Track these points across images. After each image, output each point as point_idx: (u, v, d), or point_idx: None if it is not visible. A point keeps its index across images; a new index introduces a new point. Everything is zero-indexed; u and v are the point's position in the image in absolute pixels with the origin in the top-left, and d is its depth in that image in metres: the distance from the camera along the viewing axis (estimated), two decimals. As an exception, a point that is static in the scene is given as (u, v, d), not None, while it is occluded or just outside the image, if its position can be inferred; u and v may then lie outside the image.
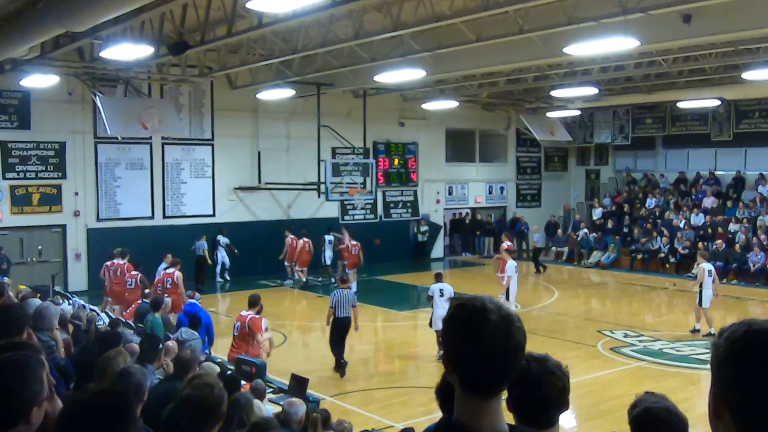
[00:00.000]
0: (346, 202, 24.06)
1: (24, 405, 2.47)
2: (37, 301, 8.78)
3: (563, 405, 2.70)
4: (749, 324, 1.50)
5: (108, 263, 15.70)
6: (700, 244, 23.06)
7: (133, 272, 15.02)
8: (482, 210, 29.01)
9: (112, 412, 2.38)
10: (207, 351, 10.57)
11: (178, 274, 14.38)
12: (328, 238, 21.62)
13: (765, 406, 1.44)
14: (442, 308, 12.41)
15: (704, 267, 14.91)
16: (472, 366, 1.87)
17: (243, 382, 8.06)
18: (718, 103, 23.42)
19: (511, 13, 12.62)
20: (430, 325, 13.17)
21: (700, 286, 14.66)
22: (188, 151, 21.76)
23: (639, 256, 24.56)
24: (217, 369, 7.19)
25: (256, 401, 6.51)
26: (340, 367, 12.25)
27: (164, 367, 7.27)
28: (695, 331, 15.00)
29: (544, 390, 2.63)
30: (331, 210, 24.15)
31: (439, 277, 13.52)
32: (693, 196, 26.26)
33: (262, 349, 10.50)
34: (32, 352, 3.13)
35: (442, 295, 12.87)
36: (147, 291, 13.84)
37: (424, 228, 26.42)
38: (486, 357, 1.84)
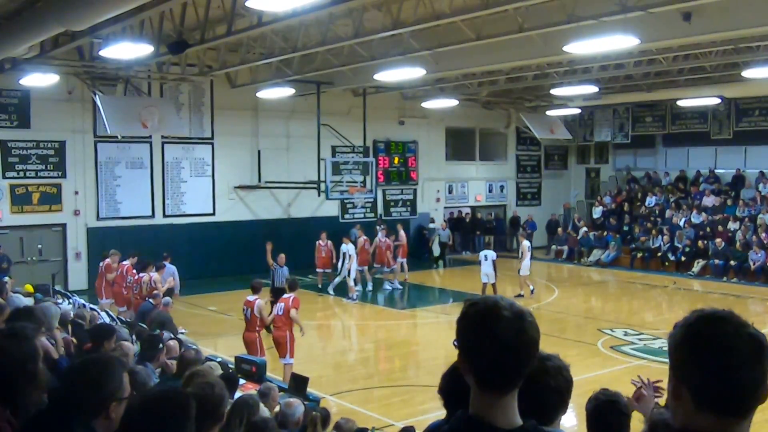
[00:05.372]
0: (346, 201, 24.06)
1: (105, 397, 2.77)
2: (19, 297, 8.82)
3: (558, 407, 2.68)
4: (700, 311, 1.72)
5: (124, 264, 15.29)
6: (700, 243, 23.13)
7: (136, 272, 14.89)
8: (482, 208, 29.01)
9: (172, 410, 2.67)
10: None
11: (155, 276, 14.27)
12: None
13: (718, 380, 1.63)
14: (485, 267, 18.06)
15: (525, 244, 19.11)
16: (487, 362, 1.90)
17: (242, 381, 8.06)
18: (718, 101, 23.41)
19: (510, 12, 12.61)
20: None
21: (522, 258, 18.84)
22: (188, 149, 21.75)
23: (639, 255, 24.55)
24: (218, 368, 7.17)
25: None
26: None
27: (164, 366, 7.26)
28: (519, 296, 18.27)
29: (535, 388, 2.61)
30: (331, 209, 24.14)
31: (487, 246, 20.26)
32: (693, 195, 26.27)
33: (294, 324, 11.39)
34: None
35: (486, 259, 18.11)
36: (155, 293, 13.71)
37: (431, 226, 26.55)
38: (500, 353, 1.88)
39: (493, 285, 18.10)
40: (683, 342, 1.69)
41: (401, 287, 20.74)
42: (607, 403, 3.62)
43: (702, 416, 1.65)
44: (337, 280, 19.51)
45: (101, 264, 15.75)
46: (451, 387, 2.53)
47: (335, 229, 21.98)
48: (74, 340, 7.78)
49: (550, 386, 2.61)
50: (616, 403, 3.63)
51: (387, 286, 20.60)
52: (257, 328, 11.32)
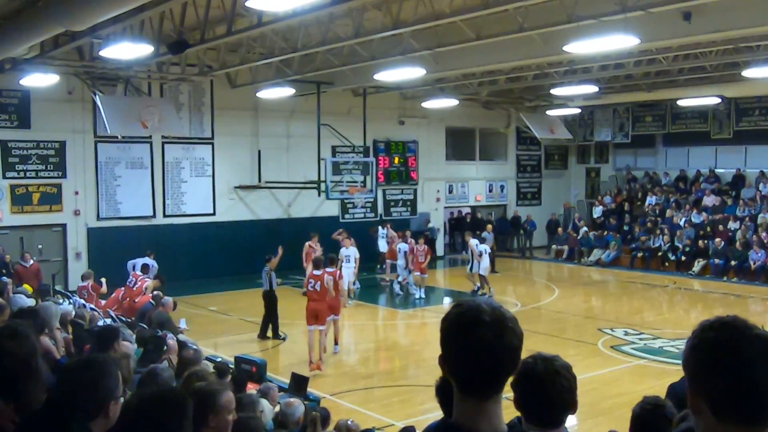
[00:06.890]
0: (346, 201, 24.05)
1: (103, 397, 2.80)
2: (21, 297, 8.83)
3: (569, 406, 2.70)
4: (705, 321, 1.70)
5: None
6: (700, 242, 23.14)
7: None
8: (482, 208, 29.00)
9: (168, 410, 2.71)
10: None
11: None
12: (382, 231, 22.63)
13: (730, 385, 1.59)
14: (487, 261, 19.09)
15: (473, 243, 19.25)
16: (466, 367, 1.86)
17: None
18: (718, 100, 23.41)
19: (511, 12, 12.61)
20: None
21: (472, 257, 19.31)
22: (188, 149, 21.75)
23: (639, 254, 24.55)
24: (209, 366, 7.19)
25: (263, 400, 6.51)
26: None
27: (169, 365, 7.28)
28: (476, 291, 19.19)
29: (548, 389, 2.63)
30: (331, 209, 24.14)
31: (481, 240, 19.89)
32: (693, 194, 26.27)
33: (342, 295, 13.71)
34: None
35: (485, 252, 19.07)
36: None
37: (430, 226, 26.47)
38: (478, 358, 1.83)
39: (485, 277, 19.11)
40: (692, 353, 1.67)
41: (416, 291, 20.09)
42: (653, 409, 3.67)
43: (723, 427, 1.61)
44: (400, 279, 20.13)
45: (87, 286, 14.49)
46: (449, 387, 2.55)
47: (334, 229, 21.89)
48: (71, 337, 7.80)
49: (562, 386, 2.64)
50: (661, 409, 3.66)
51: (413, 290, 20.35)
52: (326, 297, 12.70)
